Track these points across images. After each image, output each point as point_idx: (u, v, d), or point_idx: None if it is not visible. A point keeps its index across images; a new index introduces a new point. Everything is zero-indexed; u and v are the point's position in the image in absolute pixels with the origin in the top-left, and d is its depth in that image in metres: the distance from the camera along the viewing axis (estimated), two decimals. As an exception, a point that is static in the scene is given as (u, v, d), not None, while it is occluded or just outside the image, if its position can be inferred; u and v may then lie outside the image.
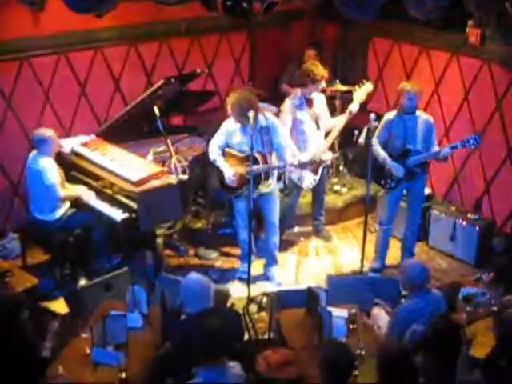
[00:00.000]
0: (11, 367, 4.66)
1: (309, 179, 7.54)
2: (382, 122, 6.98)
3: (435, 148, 7.04)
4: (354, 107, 7.37)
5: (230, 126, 6.86)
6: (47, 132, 6.83)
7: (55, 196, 6.79)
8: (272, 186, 6.99)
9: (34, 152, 6.87)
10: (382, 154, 7.00)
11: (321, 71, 7.32)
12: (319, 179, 7.66)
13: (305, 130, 7.42)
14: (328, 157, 7.56)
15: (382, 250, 7.43)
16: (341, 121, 7.52)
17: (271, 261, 7.28)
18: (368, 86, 7.45)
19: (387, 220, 7.32)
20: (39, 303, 6.47)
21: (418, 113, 7.04)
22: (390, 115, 7.07)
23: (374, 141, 6.91)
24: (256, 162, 6.63)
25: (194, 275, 5.09)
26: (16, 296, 5.44)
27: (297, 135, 7.38)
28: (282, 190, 7.51)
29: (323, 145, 7.53)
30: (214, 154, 6.91)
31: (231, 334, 4.91)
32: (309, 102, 7.44)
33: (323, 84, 7.45)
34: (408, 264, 5.49)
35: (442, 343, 4.45)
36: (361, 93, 7.42)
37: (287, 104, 7.42)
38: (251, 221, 6.67)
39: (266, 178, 6.83)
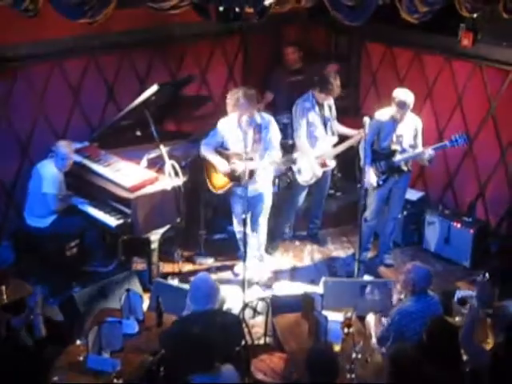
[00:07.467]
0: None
1: (308, 174, 7.53)
2: (372, 122, 6.96)
3: (420, 148, 7.14)
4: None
5: (226, 125, 6.90)
6: (67, 149, 6.88)
7: (49, 205, 6.82)
8: (262, 187, 7.04)
9: (50, 158, 6.93)
10: (364, 160, 7.03)
11: (337, 87, 7.33)
12: (322, 184, 7.74)
13: (314, 133, 7.46)
14: (332, 164, 7.67)
15: (364, 243, 7.42)
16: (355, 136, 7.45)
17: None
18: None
19: (372, 216, 7.37)
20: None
21: (408, 114, 7.07)
22: (382, 117, 7.11)
23: (362, 144, 7.05)
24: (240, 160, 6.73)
25: (204, 275, 5.30)
26: None
27: (306, 137, 7.44)
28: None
29: (332, 150, 7.57)
30: (206, 151, 6.95)
31: (232, 339, 4.95)
32: (319, 106, 7.46)
33: (331, 100, 7.51)
34: (416, 266, 5.44)
35: (438, 346, 4.46)
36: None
37: (300, 106, 7.43)
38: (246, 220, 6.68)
39: (250, 177, 6.76)
